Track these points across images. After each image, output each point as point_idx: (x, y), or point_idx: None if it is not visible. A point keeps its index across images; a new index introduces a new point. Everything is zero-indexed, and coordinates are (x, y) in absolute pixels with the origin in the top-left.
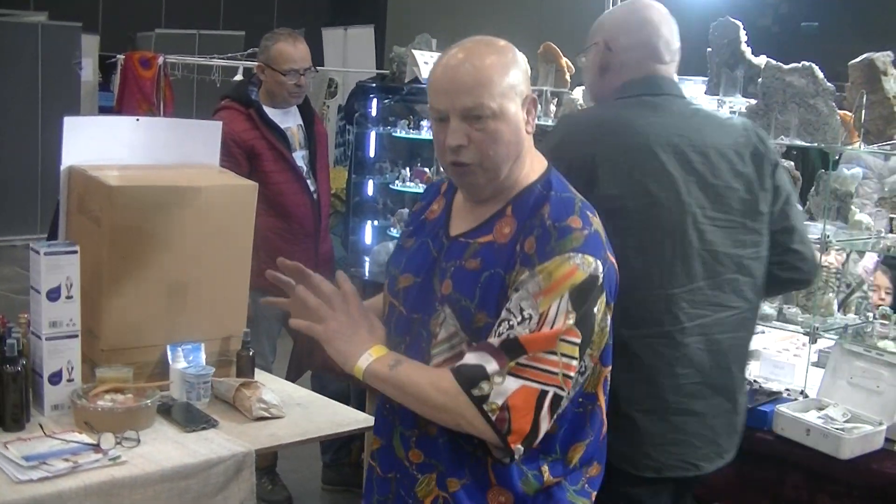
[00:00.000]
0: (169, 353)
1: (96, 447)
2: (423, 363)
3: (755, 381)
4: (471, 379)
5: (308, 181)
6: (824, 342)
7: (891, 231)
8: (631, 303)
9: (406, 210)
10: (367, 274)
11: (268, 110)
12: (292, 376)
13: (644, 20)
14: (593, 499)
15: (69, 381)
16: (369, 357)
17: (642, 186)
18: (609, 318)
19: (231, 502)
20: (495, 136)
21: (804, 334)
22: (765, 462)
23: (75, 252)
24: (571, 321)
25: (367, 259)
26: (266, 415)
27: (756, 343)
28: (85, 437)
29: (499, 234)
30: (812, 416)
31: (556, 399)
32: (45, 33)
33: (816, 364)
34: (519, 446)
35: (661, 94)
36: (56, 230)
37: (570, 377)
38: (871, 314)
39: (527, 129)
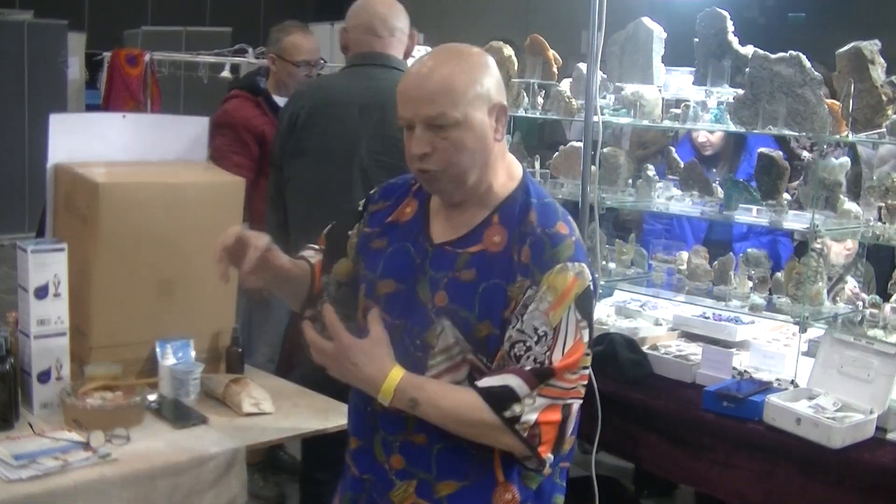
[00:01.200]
0: (158, 349)
1: (86, 445)
2: (407, 368)
3: (745, 371)
4: (501, 401)
5: None
6: (814, 331)
7: (879, 220)
8: (308, 214)
9: None
10: None
11: (276, 99)
12: (282, 371)
13: (366, 4)
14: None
15: (58, 379)
16: (384, 399)
17: (323, 130)
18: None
19: (222, 499)
20: (459, 145)
21: (794, 324)
22: (756, 452)
23: (62, 250)
24: (585, 336)
25: None
26: (256, 410)
27: (746, 333)
28: (75, 436)
29: (490, 243)
30: (803, 406)
31: (577, 407)
32: (31, 32)
33: (807, 353)
34: (550, 455)
35: (373, 65)
36: (44, 228)
37: (584, 385)
38: (860, 303)
39: (495, 136)
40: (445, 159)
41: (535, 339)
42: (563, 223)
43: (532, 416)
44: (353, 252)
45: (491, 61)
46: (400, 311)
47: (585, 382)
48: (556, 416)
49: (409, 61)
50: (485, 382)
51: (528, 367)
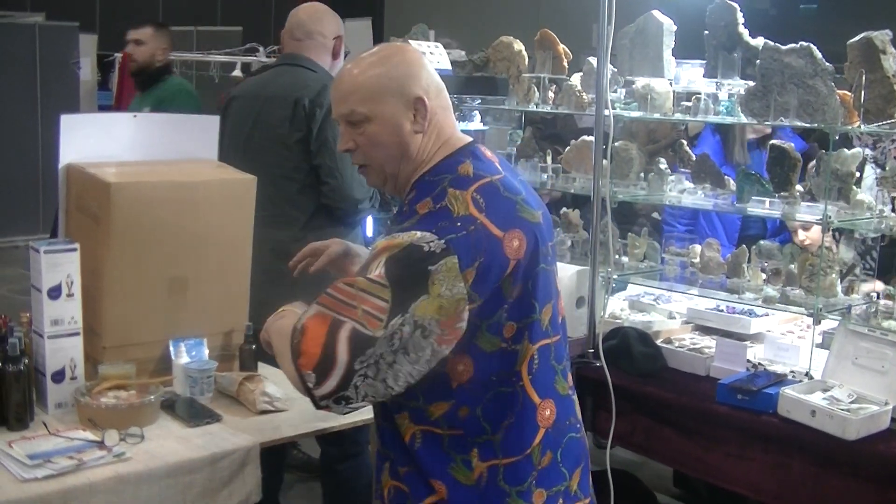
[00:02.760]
0: (171, 348)
1: (101, 444)
2: None
3: (759, 363)
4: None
5: None
6: (828, 323)
7: (893, 210)
8: None
9: None
10: None
11: None
12: None
13: (294, 12)
14: (541, 499)
15: (72, 378)
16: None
17: (228, 117)
18: (470, 286)
19: (237, 497)
20: (373, 140)
21: (808, 315)
22: (771, 444)
23: (75, 250)
24: (376, 276)
25: None
26: (270, 408)
27: (760, 326)
28: (89, 435)
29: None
30: (817, 398)
31: (358, 335)
32: (43, 34)
33: (821, 345)
34: (310, 372)
35: (284, 64)
36: (57, 229)
37: (376, 317)
38: (874, 294)
39: (414, 128)
40: (364, 154)
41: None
42: (430, 200)
43: (301, 321)
44: None
45: (414, 56)
46: None
47: (380, 315)
48: (322, 326)
49: (338, 62)
50: None
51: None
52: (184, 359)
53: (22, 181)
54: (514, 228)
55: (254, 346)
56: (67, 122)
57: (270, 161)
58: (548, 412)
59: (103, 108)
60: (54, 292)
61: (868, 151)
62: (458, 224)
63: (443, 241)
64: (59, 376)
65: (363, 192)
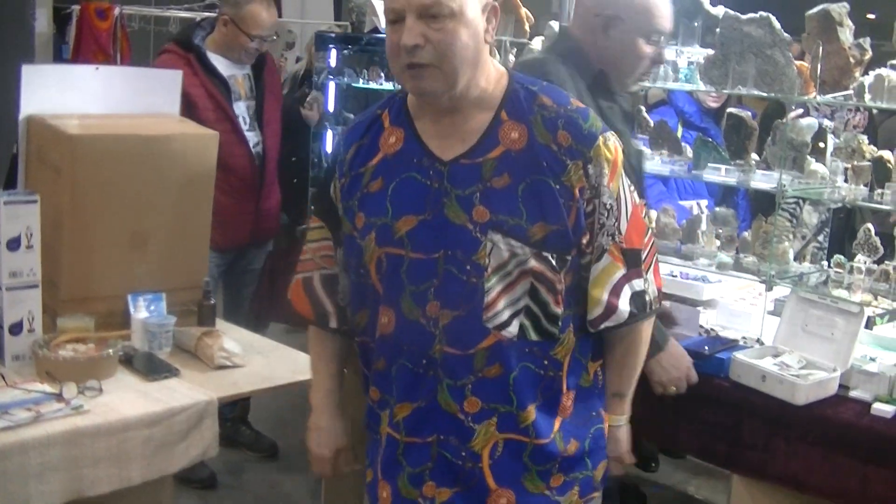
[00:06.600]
0: (130, 302)
1: (59, 397)
2: (464, 299)
3: (712, 329)
4: (643, 305)
5: (251, 133)
6: (780, 291)
7: (846, 181)
8: None
9: None
10: None
11: (215, 57)
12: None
13: None
14: None
15: (30, 331)
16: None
17: None
18: None
19: (194, 450)
20: (453, 37)
21: (760, 283)
22: (722, 408)
23: (35, 201)
24: (636, 196)
25: None
26: (228, 363)
27: (713, 292)
28: (47, 387)
29: (510, 142)
30: (768, 363)
31: None
32: None
33: (772, 312)
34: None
35: None
36: (13, 180)
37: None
38: (825, 263)
39: (486, 37)
40: (439, 52)
41: (606, 213)
42: (574, 98)
43: (653, 289)
44: (342, 210)
45: None
46: (432, 242)
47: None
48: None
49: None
50: (622, 309)
51: (618, 277)
52: (143, 313)
53: None
54: None
55: (212, 302)
56: (29, 72)
57: None
58: None
59: (59, 61)
60: (13, 244)
61: (827, 122)
62: None
63: None
64: (16, 328)
65: None
